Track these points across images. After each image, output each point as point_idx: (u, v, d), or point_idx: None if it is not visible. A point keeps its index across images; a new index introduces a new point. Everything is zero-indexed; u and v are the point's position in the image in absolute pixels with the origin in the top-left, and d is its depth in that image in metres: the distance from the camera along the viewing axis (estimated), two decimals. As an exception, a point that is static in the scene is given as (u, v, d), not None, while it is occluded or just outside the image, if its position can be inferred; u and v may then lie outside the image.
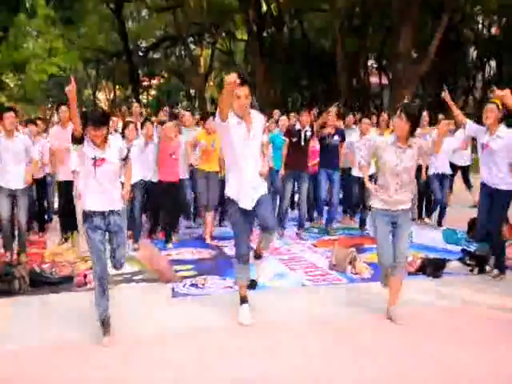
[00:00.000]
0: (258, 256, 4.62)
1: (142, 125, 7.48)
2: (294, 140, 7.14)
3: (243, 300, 4.42)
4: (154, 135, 7.65)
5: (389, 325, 4.26)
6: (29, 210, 6.57)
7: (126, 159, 4.26)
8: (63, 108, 6.88)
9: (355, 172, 7.50)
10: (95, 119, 3.86)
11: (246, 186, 4.18)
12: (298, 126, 7.21)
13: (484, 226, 5.45)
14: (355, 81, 25.09)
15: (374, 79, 28.67)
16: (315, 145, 7.61)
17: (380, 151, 4.27)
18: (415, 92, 19.30)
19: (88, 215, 4.00)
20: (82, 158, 3.97)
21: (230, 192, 4.28)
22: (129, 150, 4.28)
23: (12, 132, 6.10)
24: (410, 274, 5.18)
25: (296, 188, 7.67)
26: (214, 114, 6.51)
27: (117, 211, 4.10)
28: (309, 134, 7.18)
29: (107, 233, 4.09)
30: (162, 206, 7.26)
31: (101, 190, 4.00)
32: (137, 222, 6.87)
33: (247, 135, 4.13)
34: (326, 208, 8.07)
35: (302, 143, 7.15)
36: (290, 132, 7.26)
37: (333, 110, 7.40)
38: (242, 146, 4.13)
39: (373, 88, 28.24)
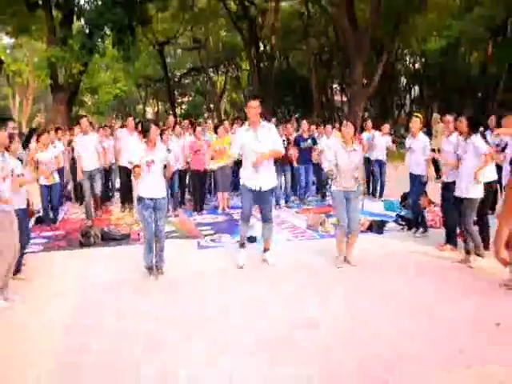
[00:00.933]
0: (266, 250, 4.39)
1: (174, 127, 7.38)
2: None
3: (241, 245, 4.31)
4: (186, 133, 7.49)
5: (347, 266, 4.22)
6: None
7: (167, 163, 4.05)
8: (130, 119, 7.15)
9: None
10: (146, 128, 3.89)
11: (254, 175, 4.06)
12: (283, 137, 6.78)
13: (413, 201, 5.34)
14: (324, 98, 25.11)
15: (337, 97, 28.56)
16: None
17: (336, 153, 4.20)
18: (365, 107, 19.02)
19: (141, 198, 3.89)
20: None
21: (242, 179, 4.18)
22: (169, 150, 4.07)
23: (87, 131, 6.15)
24: (362, 231, 5.06)
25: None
26: (218, 126, 7.01)
27: (162, 197, 3.95)
28: (285, 143, 6.81)
29: (153, 210, 3.92)
30: (192, 187, 7.17)
31: (151, 181, 3.85)
32: (174, 197, 6.75)
33: (255, 138, 4.00)
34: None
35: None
36: None
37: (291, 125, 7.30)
38: (251, 147, 4.00)
39: (336, 103, 28.14)
